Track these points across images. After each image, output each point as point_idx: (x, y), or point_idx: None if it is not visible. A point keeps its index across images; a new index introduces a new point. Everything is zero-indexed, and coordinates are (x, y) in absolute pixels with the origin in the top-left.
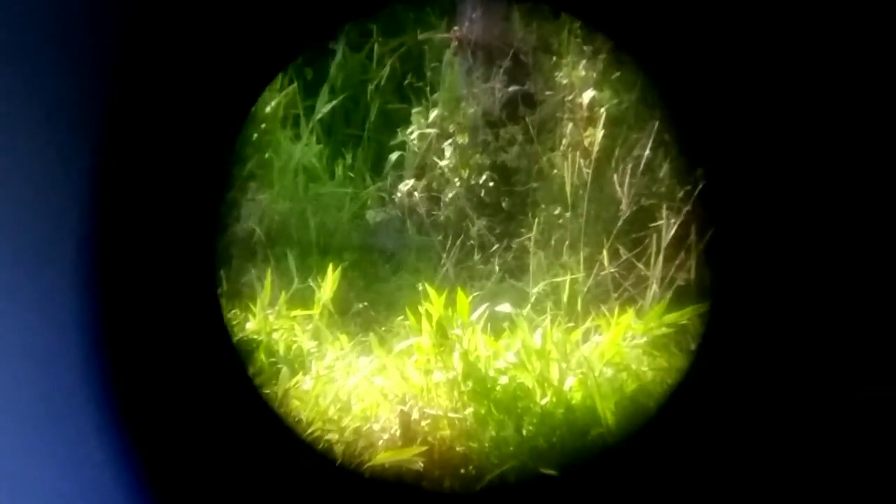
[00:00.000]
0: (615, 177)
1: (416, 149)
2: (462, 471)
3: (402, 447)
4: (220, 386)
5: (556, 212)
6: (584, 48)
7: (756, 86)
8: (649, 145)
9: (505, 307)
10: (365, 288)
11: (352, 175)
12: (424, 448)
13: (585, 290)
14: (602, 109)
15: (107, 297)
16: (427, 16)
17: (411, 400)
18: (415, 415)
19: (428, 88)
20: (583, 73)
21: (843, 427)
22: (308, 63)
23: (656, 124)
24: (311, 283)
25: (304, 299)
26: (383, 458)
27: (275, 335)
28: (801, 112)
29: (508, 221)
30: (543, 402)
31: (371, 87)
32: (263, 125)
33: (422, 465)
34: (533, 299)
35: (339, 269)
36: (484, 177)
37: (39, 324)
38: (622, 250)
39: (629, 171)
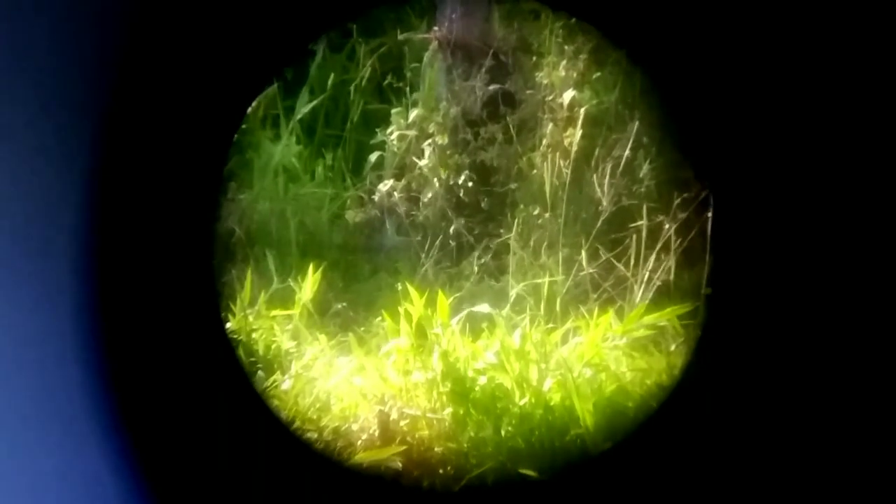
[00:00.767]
0: (595, 177)
1: (395, 149)
2: (441, 471)
3: (380, 447)
4: (216, 382)
5: (536, 212)
6: (565, 48)
7: (752, 82)
8: (629, 146)
9: (484, 308)
10: (344, 288)
11: (331, 175)
12: (403, 448)
13: (564, 290)
14: (582, 110)
15: (104, 294)
16: (407, 16)
17: (390, 400)
18: (394, 415)
19: (408, 89)
20: (563, 73)
21: (842, 428)
22: (288, 63)
23: (636, 125)
24: (291, 283)
25: (283, 299)
26: (362, 457)
27: (254, 335)
28: (798, 109)
29: (488, 222)
30: (522, 402)
31: (351, 87)
32: (243, 125)
33: (400, 464)
34: (512, 300)
35: (320, 269)
36: (463, 177)
37: (36, 322)
38: (602, 251)
39: (609, 172)
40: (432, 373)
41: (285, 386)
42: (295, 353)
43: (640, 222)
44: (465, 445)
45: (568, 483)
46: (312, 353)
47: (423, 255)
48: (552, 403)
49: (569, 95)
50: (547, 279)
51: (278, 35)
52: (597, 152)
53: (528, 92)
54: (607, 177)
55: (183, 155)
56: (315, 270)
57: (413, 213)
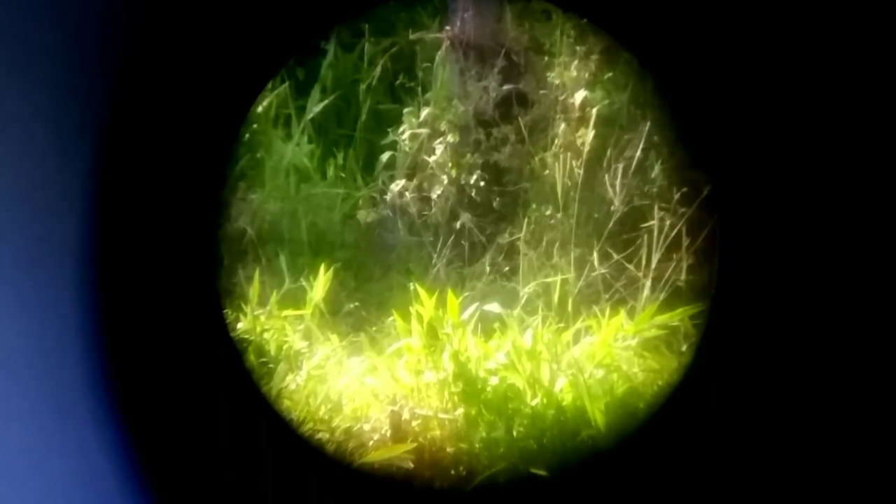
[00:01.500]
0: (607, 177)
1: (407, 149)
2: (452, 471)
3: (392, 447)
4: (219, 381)
5: (548, 212)
6: (577, 48)
7: (757, 84)
8: (641, 146)
9: (495, 308)
10: (356, 288)
11: (343, 175)
12: (414, 445)
13: (576, 290)
14: (594, 110)
15: (106, 294)
16: (419, 15)
17: (402, 400)
18: (405, 415)
19: (419, 88)
20: (575, 73)
21: (842, 429)
22: (300, 63)
23: (648, 125)
24: (303, 283)
25: (295, 299)
26: (373, 456)
27: (266, 335)
28: (803, 110)
29: (499, 221)
30: (534, 403)
31: (362, 86)
32: (255, 125)
33: (412, 464)
34: (523, 300)
35: (331, 269)
36: (475, 177)
37: (39, 322)
38: (613, 251)
39: (621, 172)
40: (444, 373)
41: (297, 386)
42: (307, 353)
43: (651, 222)
44: (477, 446)
45: (578, 482)
46: (324, 353)
47: (435, 255)
48: (564, 404)
49: (580, 95)
50: (559, 279)
51: (281, 32)
52: (609, 152)
53: (540, 92)
54: (619, 177)
55: (187, 153)
56: (326, 270)
57: (425, 212)
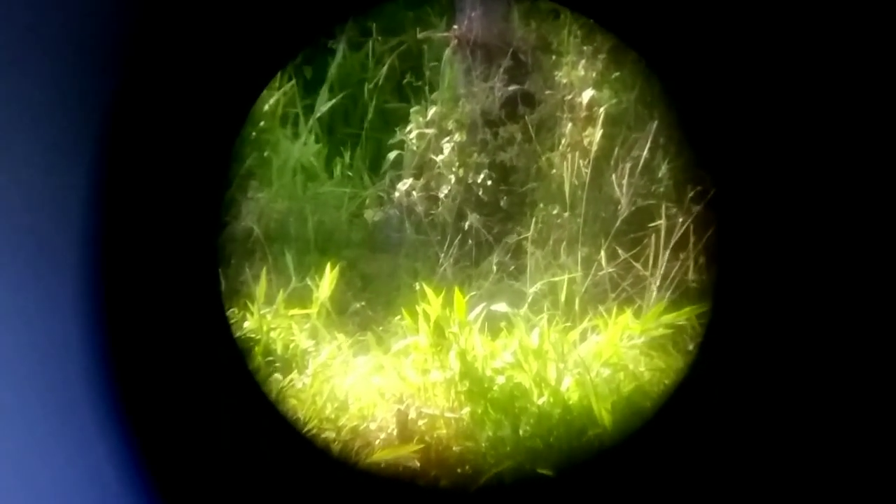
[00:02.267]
0: (614, 177)
1: (414, 148)
2: (458, 470)
3: (398, 446)
4: (222, 381)
5: (555, 211)
6: (584, 48)
7: (760, 86)
8: (648, 145)
9: (502, 307)
10: (363, 287)
11: (350, 174)
12: (420, 446)
13: (583, 290)
14: (601, 109)
15: (109, 293)
16: (426, 14)
17: (408, 399)
18: (412, 414)
19: (427, 87)
20: (582, 72)
21: (843, 429)
22: (307, 62)
23: (655, 124)
24: (309, 283)
25: (301, 298)
26: (380, 455)
27: (272, 334)
28: (805, 112)
29: (506, 221)
30: (540, 402)
31: (370, 85)
32: (262, 123)
33: (418, 463)
34: (530, 299)
35: (337, 268)
36: (482, 176)
37: (42, 321)
38: (620, 250)
39: (628, 171)
40: (450, 372)
41: (303, 385)
42: (313, 352)
43: (658, 222)
44: (483, 445)
45: (583, 480)
46: (330, 352)
47: (442, 255)
48: (570, 403)
49: (588, 95)
50: (566, 278)
51: (281, 31)
52: (616, 152)
53: (547, 91)
54: (626, 176)
55: (189, 152)
56: (333, 269)
57: (432, 212)
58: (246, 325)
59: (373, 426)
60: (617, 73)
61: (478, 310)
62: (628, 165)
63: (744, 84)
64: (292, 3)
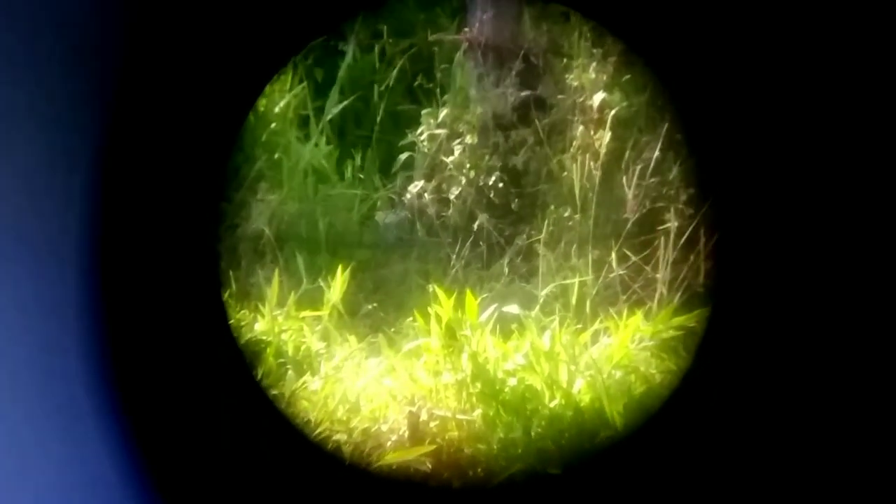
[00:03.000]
0: (624, 179)
1: (425, 150)
2: (470, 472)
3: (410, 448)
4: (225, 386)
5: (566, 214)
6: (595, 51)
7: (765, 91)
8: (658, 148)
9: (514, 309)
10: (374, 289)
11: (361, 176)
12: (432, 448)
13: (594, 292)
14: (612, 112)
15: (110, 294)
16: (437, 17)
17: (420, 401)
18: (423, 416)
19: (438, 90)
20: (593, 75)
21: (845, 428)
22: (318, 64)
23: (666, 127)
24: (321, 284)
25: (312, 300)
26: (391, 458)
27: (283, 336)
28: (807, 116)
29: (518, 223)
30: (552, 404)
31: (381, 88)
32: (273, 125)
33: (430, 466)
34: (542, 301)
35: (349, 270)
36: (494, 178)
37: (43, 326)
38: (631, 253)
39: (638, 174)
40: (462, 374)
41: (315, 387)
42: (324, 354)
43: (669, 224)
44: (495, 447)
45: (592, 480)
46: (342, 354)
47: (454, 257)
48: (582, 405)
49: (598, 97)
50: (577, 280)
51: (282, 30)
52: (626, 154)
53: (558, 94)
54: (637, 178)
55: (189, 151)
56: (344, 271)
57: (443, 214)
58: (257, 327)
59: (384, 428)
60: (628, 76)
61: (489, 311)
62: (639, 168)
63: (747, 91)
64: (289, 3)
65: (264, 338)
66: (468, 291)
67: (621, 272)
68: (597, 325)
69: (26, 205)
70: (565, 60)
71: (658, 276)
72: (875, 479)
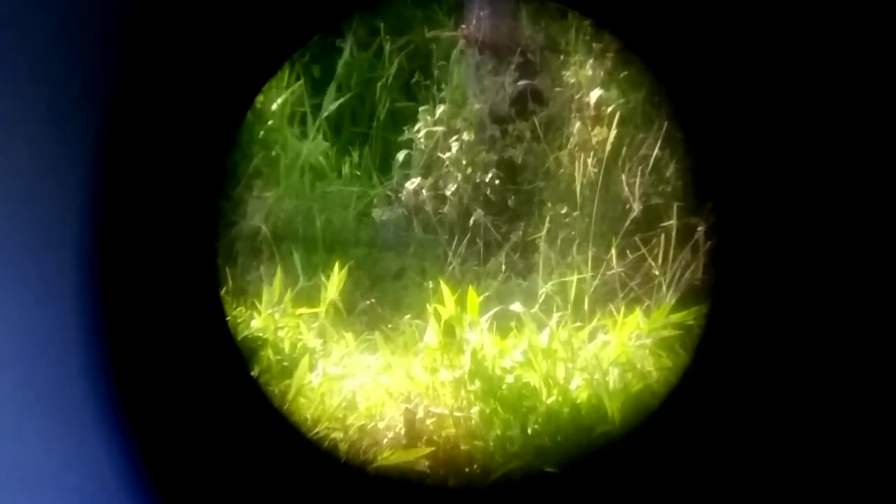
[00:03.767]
0: (623, 176)
1: (422, 147)
2: (467, 469)
3: (406, 446)
4: (222, 384)
5: (564, 211)
6: (592, 47)
7: (762, 88)
8: (657, 145)
9: (512, 306)
10: (371, 286)
11: (358, 173)
12: (430, 450)
13: (592, 289)
14: (610, 108)
15: (109, 293)
16: (435, 14)
17: (416, 398)
18: (420, 413)
19: (435, 86)
20: (590, 71)
21: (844, 426)
22: (315, 61)
23: (664, 124)
24: (318, 281)
25: (309, 297)
26: (389, 459)
27: (280, 333)
28: (806, 115)
29: (515, 220)
30: (549, 401)
31: (378, 85)
32: (270, 122)
33: (426, 463)
34: (540, 298)
35: (346, 267)
36: (490, 175)
37: (40, 322)
38: (629, 250)
39: (637, 171)
40: (460, 371)
41: (311, 384)
42: (321, 351)
43: (667, 222)
44: (492, 444)
45: (590, 478)
46: (339, 351)
47: (451, 254)
48: (579, 402)
49: (596, 94)
50: (575, 278)
51: (281, 27)
52: (624, 151)
53: (555, 90)
54: (636, 175)
55: (189, 150)
56: (341, 268)
57: (440, 211)
58: (254, 324)
59: (381, 425)
60: (625, 73)
61: (488, 309)
62: (637, 165)
63: (744, 88)
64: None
65: (261, 335)
66: (471, 289)
67: (619, 269)
68: (595, 323)
69: (24, 206)
70: (562, 57)
71: (656, 273)
72: (875, 478)
